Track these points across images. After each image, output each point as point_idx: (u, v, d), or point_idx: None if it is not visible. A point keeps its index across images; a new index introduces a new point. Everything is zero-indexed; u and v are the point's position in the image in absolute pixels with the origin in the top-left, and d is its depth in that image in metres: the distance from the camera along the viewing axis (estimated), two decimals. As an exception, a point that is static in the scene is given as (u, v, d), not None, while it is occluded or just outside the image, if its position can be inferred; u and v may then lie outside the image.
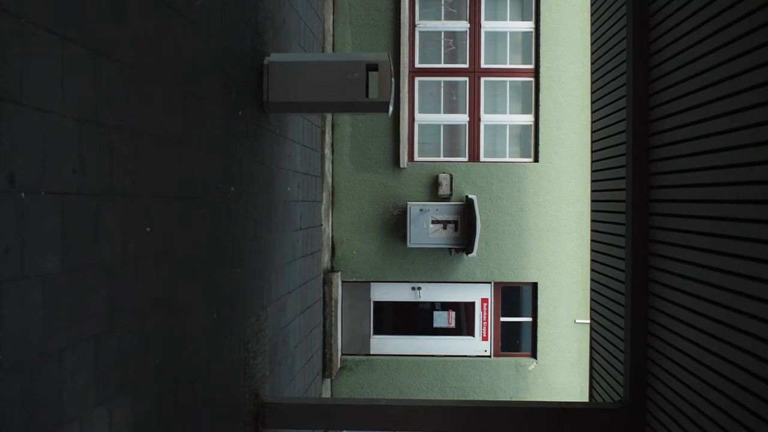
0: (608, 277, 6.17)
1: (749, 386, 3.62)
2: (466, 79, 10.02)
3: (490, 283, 10.09)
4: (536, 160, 9.92)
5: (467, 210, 9.45)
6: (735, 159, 3.80)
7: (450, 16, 10.06)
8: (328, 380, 9.65)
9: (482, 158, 10.01)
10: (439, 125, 10.09)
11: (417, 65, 10.05)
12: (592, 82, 6.90)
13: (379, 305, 10.21)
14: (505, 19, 10.02)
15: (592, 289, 6.81)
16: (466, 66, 10.02)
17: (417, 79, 10.04)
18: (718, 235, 3.99)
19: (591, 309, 6.89)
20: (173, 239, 3.97)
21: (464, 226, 9.46)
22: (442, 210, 9.50)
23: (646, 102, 5.21)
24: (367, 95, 5.93)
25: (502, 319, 10.18)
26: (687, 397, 4.42)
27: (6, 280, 2.50)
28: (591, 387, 6.98)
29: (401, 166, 9.83)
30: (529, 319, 10.15)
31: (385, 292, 10.17)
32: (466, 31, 10.02)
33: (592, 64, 6.96)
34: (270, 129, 6.16)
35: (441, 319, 10.19)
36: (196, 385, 4.34)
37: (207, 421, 4.56)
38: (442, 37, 10.08)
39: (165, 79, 3.87)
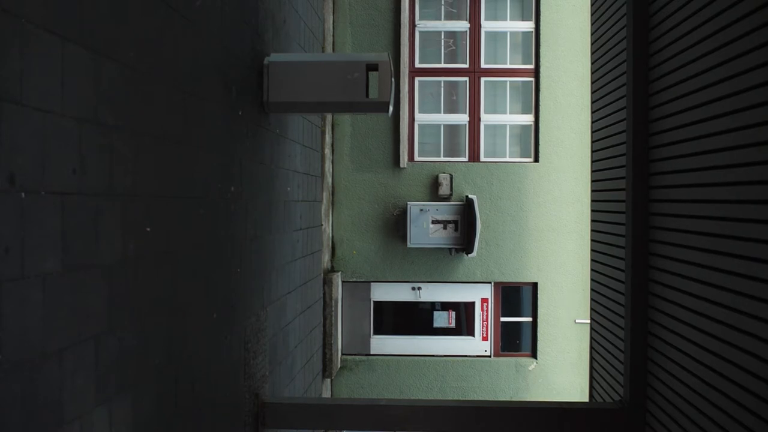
0: (608, 277, 6.17)
1: (749, 386, 3.62)
2: (466, 79, 10.02)
3: (490, 283, 10.09)
4: (536, 160, 9.92)
5: (467, 210, 9.45)
6: (735, 159, 3.80)
7: (450, 16, 10.07)
8: (328, 380, 9.65)
9: (482, 158, 10.01)
10: (439, 125, 10.09)
11: (417, 65, 10.05)
12: (592, 82, 6.90)
13: (379, 305, 10.21)
14: (505, 19, 10.02)
15: (592, 289, 6.81)
16: (466, 66, 10.02)
17: (417, 79, 10.04)
18: (718, 235, 3.99)
19: (591, 309, 6.89)
20: (173, 239, 3.97)
21: (464, 226, 9.46)
22: (442, 210, 9.50)
23: (646, 102, 5.21)
24: (367, 95, 5.93)
25: (502, 319, 10.18)
26: (687, 397, 4.42)
27: (6, 280, 2.50)
28: (591, 387, 6.98)
29: (401, 166, 9.83)
30: (529, 319, 10.15)
31: (385, 292, 10.17)
32: (466, 31, 10.02)
33: (592, 64, 6.96)
34: (270, 129, 6.16)
35: (441, 319, 10.19)
36: (196, 385, 4.34)
37: (207, 421, 4.56)
38: (442, 37, 10.08)
39: (165, 79, 3.87)
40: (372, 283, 10.14)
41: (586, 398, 9.39)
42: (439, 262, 9.93)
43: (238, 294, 5.22)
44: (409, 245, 9.55)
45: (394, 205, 9.89)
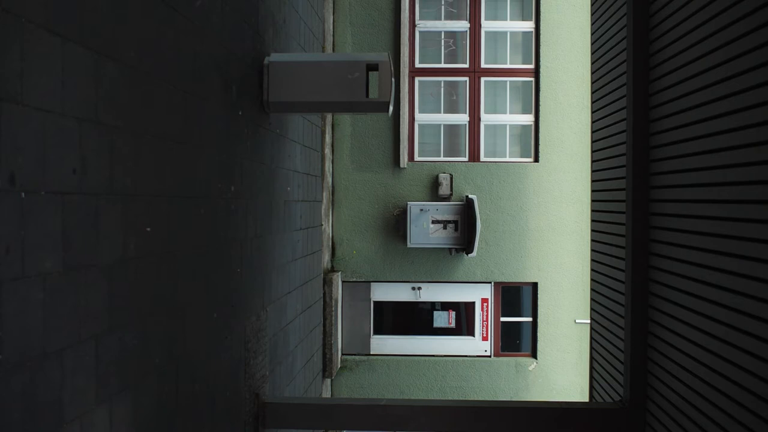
0: (608, 277, 6.17)
1: (749, 386, 3.62)
2: (466, 79, 10.02)
3: (490, 283, 10.09)
4: (536, 160, 9.92)
5: (467, 210, 9.45)
6: (735, 159, 3.80)
7: (450, 16, 10.07)
8: (328, 380, 9.65)
9: (482, 158, 10.01)
10: (439, 125, 10.09)
11: (417, 65, 10.05)
12: (592, 82, 6.90)
13: (379, 305, 10.21)
14: (505, 19, 10.02)
15: (592, 289, 6.81)
16: (466, 66, 10.02)
17: (417, 79, 10.04)
18: (719, 235, 3.99)
19: (591, 309, 6.89)
20: (173, 239, 3.97)
21: (464, 226, 9.46)
22: (442, 210, 9.50)
23: (646, 102, 5.21)
24: (367, 95, 5.93)
25: (502, 319, 10.18)
26: (687, 397, 4.42)
27: (6, 280, 2.50)
28: (591, 387, 6.98)
29: (401, 166, 9.83)
30: (529, 319, 10.15)
31: (385, 292, 10.17)
32: (466, 31, 10.02)
33: (592, 64, 6.96)
34: (270, 129, 6.16)
35: (441, 319, 10.19)
36: (196, 384, 4.34)
37: (207, 421, 4.56)
38: (442, 37, 10.08)
39: (165, 79, 3.87)
40: (372, 283, 10.14)
41: (586, 398, 9.40)
42: (439, 262, 9.93)
43: (239, 294, 5.22)
44: (409, 245, 9.55)
45: (394, 205, 9.89)
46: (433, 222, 9.50)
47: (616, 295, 5.94)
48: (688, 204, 4.45)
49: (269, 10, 6.15)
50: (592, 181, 6.90)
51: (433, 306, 10.23)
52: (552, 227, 9.89)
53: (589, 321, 8.79)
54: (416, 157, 10.05)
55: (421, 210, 9.50)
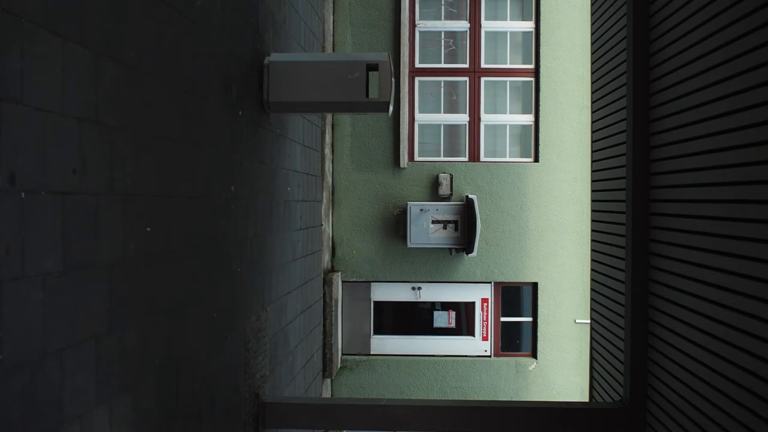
0: (608, 277, 6.17)
1: (749, 386, 3.62)
2: (466, 79, 10.02)
3: (490, 283, 10.09)
4: (536, 160, 9.92)
5: (467, 210, 9.45)
6: (735, 159, 3.80)
7: (450, 16, 10.06)
8: (329, 380, 9.65)
9: (482, 158, 10.01)
10: (439, 125, 10.09)
11: (417, 65, 10.05)
12: (592, 82, 6.90)
13: (379, 305, 10.21)
14: (505, 19, 10.02)
15: (592, 289, 6.81)
16: (466, 66, 10.02)
17: (417, 79, 10.04)
18: (719, 235, 3.99)
19: (591, 309, 6.89)
20: (173, 239, 3.97)
21: (464, 226, 9.46)
22: (442, 210, 9.50)
23: (646, 102, 5.21)
24: (367, 95, 5.93)
25: (502, 319, 10.18)
26: (687, 397, 4.42)
27: (6, 280, 2.51)
28: (591, 387, 6.98)
29: (401, 166, 9.83)
30: (529, 319, 10.15)
31: (385, 292, 10.17)
32: (466, 31, 10.02)
33: (592, 64, 6.96)
34: (270, 129, 6.16)
35: (441, 319, 10.19)
36: (196, 384, 4.34)
37: (207, 421, 4.56)
38: (442, 37, 10.08)
39: (165, 79, 3.87)
40: (372, 283, 10.14)
41: (586, 398, 9.40)
42: (439, 262, 9.93)
43: (238, 294, 5.22)
44: (409, 245, 9.55)
45: (394, 205, 9.89)
46: (433, 222, 9.50)
47: (616, 295, 5.94)
48: (688, 204, 4.45)
49: (269, 10, 6.15)
50: (592, 181, 6.90)
51: (433, 306, 10.23)
52: (552, 227, 9.90)
53: (589, 321, 8.79)
54: (416, 157, 10.05)
55: (421, 210, 9.50)
